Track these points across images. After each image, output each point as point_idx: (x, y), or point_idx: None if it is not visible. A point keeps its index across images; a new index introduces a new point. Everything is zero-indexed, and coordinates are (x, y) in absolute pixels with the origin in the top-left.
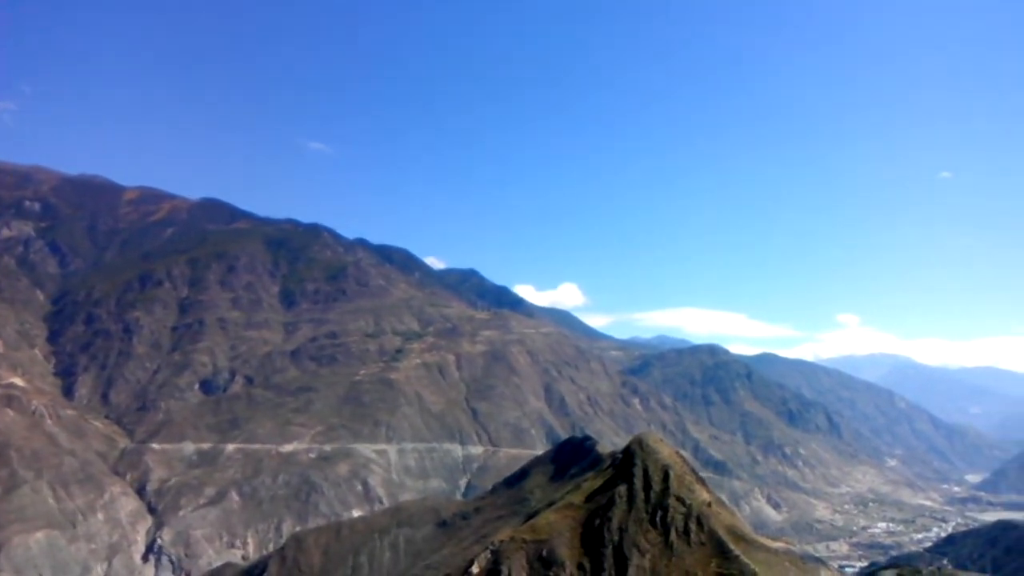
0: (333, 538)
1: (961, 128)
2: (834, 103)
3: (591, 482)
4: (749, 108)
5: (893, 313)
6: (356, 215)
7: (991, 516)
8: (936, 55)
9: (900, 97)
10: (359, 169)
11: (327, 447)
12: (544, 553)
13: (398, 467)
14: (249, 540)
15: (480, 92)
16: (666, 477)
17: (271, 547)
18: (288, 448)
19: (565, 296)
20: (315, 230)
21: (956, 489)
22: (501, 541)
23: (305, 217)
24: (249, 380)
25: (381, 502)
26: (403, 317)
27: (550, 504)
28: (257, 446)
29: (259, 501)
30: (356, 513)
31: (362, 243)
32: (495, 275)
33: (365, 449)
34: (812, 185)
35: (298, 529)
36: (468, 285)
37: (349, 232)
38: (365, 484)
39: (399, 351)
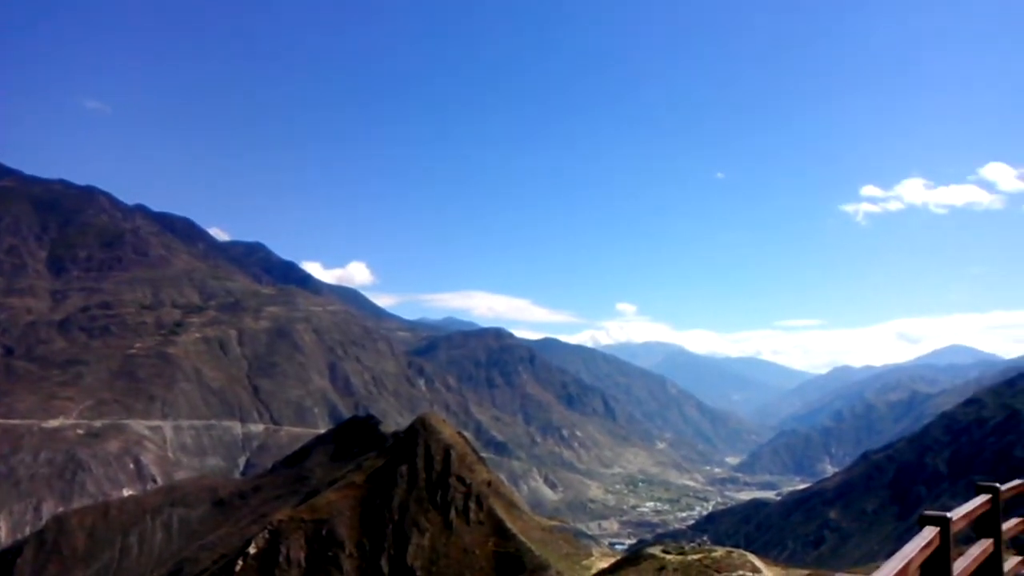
0: (100, 519)
1: (736, 132)
2: (623, 105)
3: (373, 462)
4: (542, 101)
5: (668, 304)
6: (136, 179)
7: (746, 495)
8: (719, 65)
9: (683, 98)
10: (140, 131)
11: (96, 423)
12: (324, 532)
13: (174, 444)
14: (1, 523)
15: (271, 55)
16: (447, 457)
17: (28, 530)
18: (52, 424)
19: (354, 274)
20: (90, 193)
21: (717, 470)
22: (280, 520)
23: (79, 179)
24: (9, 350)
25: (155, 481)
26: (183, 289)
27: (331, 483)
28: (16, 421)
29: (16, 480)
30: (127, 492)
31: (142, 209)
32: (282, 250)
33: (138, 425)
34: (596, 179)
35: (60, 510)
36: (254, 259)
37: (128, 197)
38: (137, 462)
39: (178, 324)
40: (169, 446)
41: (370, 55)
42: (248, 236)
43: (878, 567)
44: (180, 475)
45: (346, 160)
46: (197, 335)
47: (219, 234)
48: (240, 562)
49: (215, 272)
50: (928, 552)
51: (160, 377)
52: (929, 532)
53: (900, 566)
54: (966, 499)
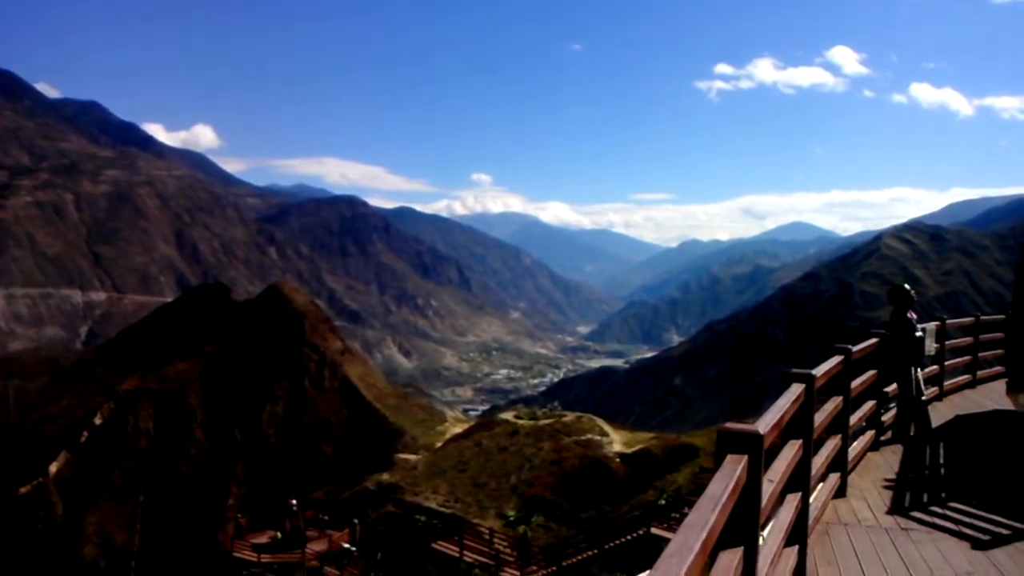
0: None
1: (595, 4)
2: None
3: (224, 330)
4: None
5: (524, 176)
6: None
7: (596, 363)
8: None
9: None
10: None
11: None
12: (173, 402)
13: (7, 314)
14: None
15: None
16: (300, 325)
17: None
18: None
19: (199, 137)
20: None
21: (569, 339)
22: (126, 390)
23: None
24: None
25: None
26: (10, 149)
27: (180, 352)
28: None
29: None
30: None
31: None
32: (121, 110)
33: None
34: (454, 45)
35: None
36: (89, 119)
37: None
38: None
39: (6, 187)
40: (1, 316)
41: None
42: (81, 94)
43: (720, 427)
44: (15, 346)
45: (191, 13)
46: (28, 199)
47: (47, 90)
48: (85, 433)
49: (45, 132)
50: (797, 406)
51: None
52: (797, 388)
53: (777, 417)
54: (801, 366)
